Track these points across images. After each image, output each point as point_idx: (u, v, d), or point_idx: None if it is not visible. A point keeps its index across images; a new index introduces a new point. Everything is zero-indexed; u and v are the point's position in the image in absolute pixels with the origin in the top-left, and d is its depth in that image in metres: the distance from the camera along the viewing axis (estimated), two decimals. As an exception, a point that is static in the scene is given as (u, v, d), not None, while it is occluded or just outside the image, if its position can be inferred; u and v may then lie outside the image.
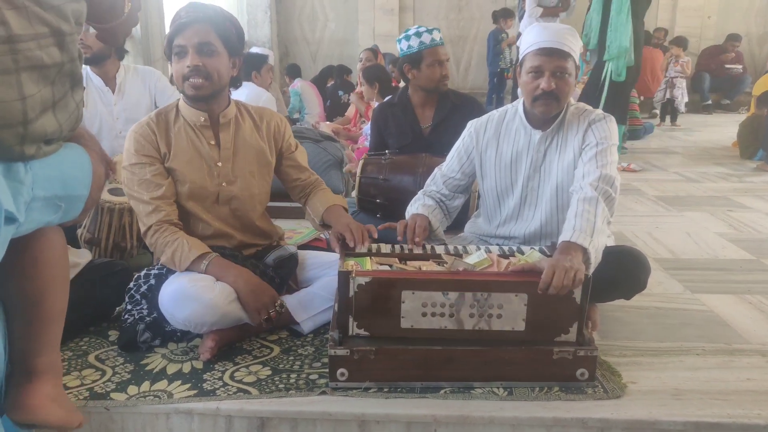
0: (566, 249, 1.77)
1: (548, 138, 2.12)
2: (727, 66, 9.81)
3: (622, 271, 2.02)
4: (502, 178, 2.20)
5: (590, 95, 5.53)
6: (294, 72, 8.00)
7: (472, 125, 2.28)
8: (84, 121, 3.11)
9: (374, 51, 6.17)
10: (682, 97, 8.34)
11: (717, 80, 9.86)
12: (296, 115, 7.29)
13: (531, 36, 2.04)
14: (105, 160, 1.50)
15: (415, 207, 2.24)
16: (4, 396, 1.48)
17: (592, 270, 1.79)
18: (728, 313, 2.34)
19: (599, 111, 2.13)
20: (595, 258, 1.81)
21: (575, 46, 2.01)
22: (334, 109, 7.37)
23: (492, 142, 2.21)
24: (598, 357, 1.87)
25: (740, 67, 9.88)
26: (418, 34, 2.97)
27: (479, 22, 10.32)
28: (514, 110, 2.20)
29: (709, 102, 9.89)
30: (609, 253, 2.02)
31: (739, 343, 2.10)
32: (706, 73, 9.88)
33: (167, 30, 2.07)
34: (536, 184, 2.15)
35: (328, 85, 8.10)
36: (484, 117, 2.27)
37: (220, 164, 2.11)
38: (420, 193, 2.32)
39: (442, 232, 2.26)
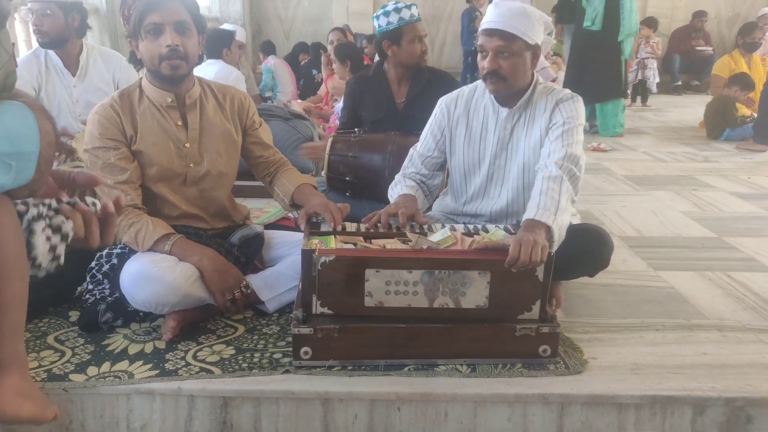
0: (530, 226, 1.78)
1: (515, 115, 2.12)
2: (698, 48, 9.93)
3: (586, 249, 2.04)
4: (469, 155, 2.20)
5: (574, 74, 5.65)
6: (268, 49, 7.89)
7: (442, 101, 2.26)
8: (50, 107, 3.07)
9: (343, 31, 6.11)
10: (653, 77, 8.41)
11: (687, 61, 10.00)
12: (268, 93, 7.20)
13: (485, 16, 2.05)
14: (49, 117, 1.37)
15: (397, 189, 2.22)
16: None
17: (555, 248, 1.81)
18: (689, 289, 2.38)
19: (567, 91, 2.13)
20: (559, 236, 1.82)
21: (525, 27, 1.98)
22: (307, 87, 7.29)
23: (462, 118, 2.20)
24: (561, 334, 1.90)
25: (710, 49, 10.01)
26: (397, 10, 2.94)
27: (453, 1, 10.29)
28: (483, 87, 2.18)
29: (680, 83, 10.02)
30: (573, 231, 2.03)
31: (698, 319, 2.14)
32: (677, 54, 9.99)
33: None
34: (503, 162, 2.15)
35: (302, 63, 8.00)
36: (455, 93, 2.26)
37: (187, 145, 2.07)
38: (399, 175, 2.30)
39: (421, 213, 2.25)
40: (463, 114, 2.20)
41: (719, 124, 5.87)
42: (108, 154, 1.97)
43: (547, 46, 7.42)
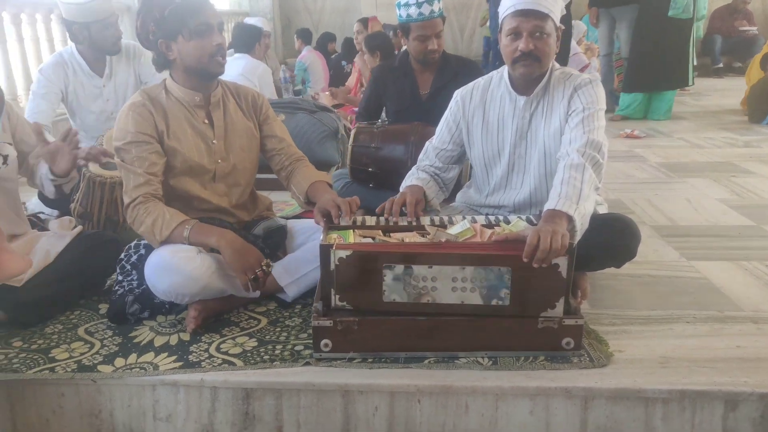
0: (551, 217, 1.75)
1: (533, 103, 2.08)
2: (740, 28, 9.59)
3: (612, 239, 2.00)
4: (488, 146, 2.17)
5: (638, 61, 5.62)
6: (305, 36, 7.91)
7: (458, 94, 2.24)
8: (74, 106, 3.16)
9: (365, 21, 6.09)
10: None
11: (729, 42, 9.66)
12: (298, 87, 7.24)
13: (504, 2, 2.01)
14: None
15: (408, 181, 2.22)
16: None
17: (578, 237, 1.77)
18: (723, 279, 2.31)
19: (585, 75, 2.09)
20: (581, 225, 1.78)
21: (554, 7, 1.96)
22: (336, 78, 7.32)
23: (478, 109, 2.18)
24: (585, 326, 1.86)
25: (754, 28, 9.66)
26: (407, 5, 2.90)
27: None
28: (500, 76, 2.16)
29: (720, 65, 9.70)
30: (598, 220, 1.99)
31: (732, 310, 2.07)
32: (718, 35, 9.67)
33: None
34: (523, 151, 2.12)
35: (332, 55, 8.02)
36: (470, 85, 2.23)
37: (215, 142, 2.11)
38: (413, 168, 2.30)
39: (438, 204, 2.24)
40: (479, 105, 2.18)
41: (762, 107, 5.68)
42: (140, 147, 2.00)
43: (579, 31, 7.26)
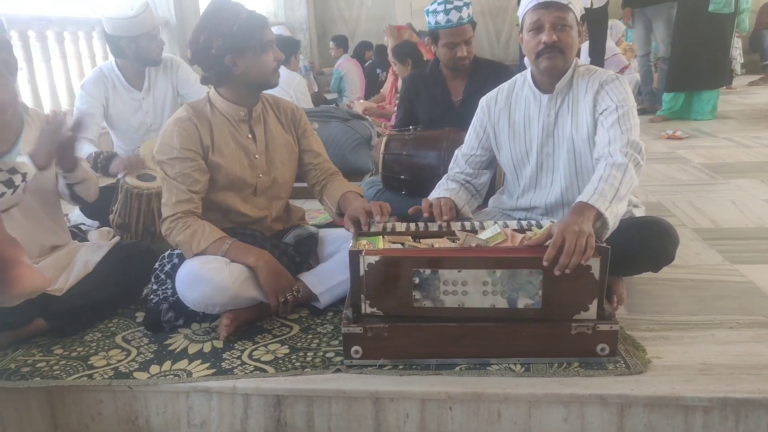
0: (579, 210, 1.72)
1: (557, 100, 2.06)
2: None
3: (649, 243, 1.94)
4: (516, 148, 2.15)
5: (680, 59, 5.56)
6: (341, 42, 7.97)
7: (483, 100, 2.25)
8: (114, 120, 3.26)
9: (393, 29, 6.11)
10: (737, 57, 7.94)
11: (778, 38, 9.36)
12: (333, 96, 7.30)
13: None
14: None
15: (438, 192, 2.22)
16: None
17: (605, 236, 1.73)
18: (768, 284, 2.22)
19: (610, 71, 2.06)
20: (613, 224, 1.74)
21: (575, 0, 1.95)
22: (371, 87, 7.35)
23: (503, 112, 2.17)
24: (622, 331, 1.82)
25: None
26: (435, 12, 2.88)
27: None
28: (523, 78, 2.14)
29: (769, 62, 9.40)
30: (634, 223, 1.95)
31: (777, 315, 1.99)
32: (766, 30, 9.37)
33: (201, 13, 2.06)
34: (551, 149, 2.10)
35: (366, 63, 8.05)
36: (494, 90, 2.23)
37: (257, 156, 2.14)
38: (444, 177, 2.30)
39: (469, 212, 2.23)
40: (504, 108, 2.16)
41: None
42: (185, 164, 2.02)
43: (618, 32, 7.14)
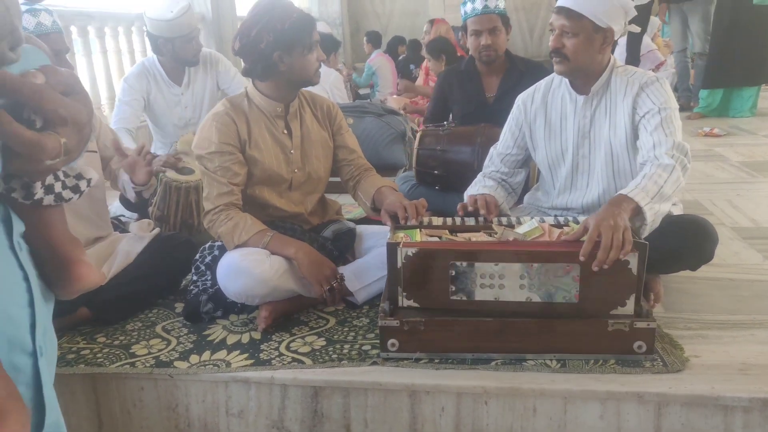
0: (617, 201, 1.71)
1: (593, 101, 2.05)
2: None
3: (686, 241, 1.93)
4: (552, 148, 2.14)
5: (720, 54, 5.47)
6: (374, 40, 7.98)
7: (520, 98, 2.24)
8: (154, 114, 3.33)
9: (431, 23, 6.11)
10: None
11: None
12: (367, 90, 7.32)
13: None
14: None
15: (475, 189, 2.21)
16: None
17: (646, 233, 1.72)
18: (811, 284, 2.18)
19: (650, 73, 2.04)
20: (652, 221, 1.73)
21: (597, 8, 1.91)
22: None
23: (540, 111, 2.16)
24: (659, 330, 1.81)
25: None
26: (465, 3, 2.90)
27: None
28: (561, 77, 2.12)
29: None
30: (672, 222, 1.94)
31: (819, 316, 1.96)
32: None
33: (237, 11, 2.11)
34: (587, 151, 2.08)
35: (400, 57, 8.04)
36: (531, 88, 2.22)
37: (293, 152, 2.17)
38: (479, 175, 2.30)
39: (507, 209, 2.23)
40: (540, 107, 2.16)
41: None
42: (224, 158, 2.06)
43: (653, 27, 7.02)
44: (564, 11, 1.94)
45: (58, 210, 0.89)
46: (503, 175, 2.26)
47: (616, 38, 2.01)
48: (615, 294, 1.70)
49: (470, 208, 2.04)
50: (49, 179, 0.85)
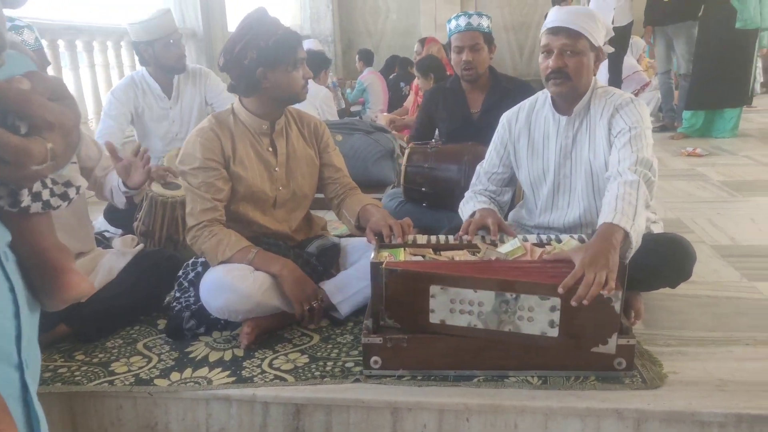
0: (608, 233, 1.69)
1: (575, 122, 2.08)
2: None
3: (666, 259, 1.96)
4: (534, 167, 2.17)
5: (701, 76, 5.55)
6: (367, 57, 8.02)
7: (504, 117, 2.27)
8: (143, 127, 3.33)
9: (422, 43, 6.17)
10: (757, 77, 7.89)
11: (799, 57, 9.29)
12: (357, 108, 7.36)
13: (546, 20, 2.04)
14: None
15: (470, 206, 2.21)
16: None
17: (630, 255, 1.74)
18: (787, 301, 2.22)
19: (627, 94, 2.07)
20: (636, 242, 1.75)
21: (590, 27, 1.96)
22: (394, 100, 7.38)
23: (524, 130, 2.19)
24: (639, 346, 1.83)
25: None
26: (450, 21, 2.96)
27: (543, 8, 10.10)
28: (544, 97, 2.16)
29: (791, 80, 9.34)
30: (652, 240, 1.96)
31: (795, 333, 1.98)
32: (787, 49, 9.32)
33: (228, 27, 2.12)
34: (568, 171, 2.11)
35: (390, 76, 8.10)
36: (516, 107, 2.25)
37: (277, 169, 2.18)
38: (469, 193, 2.31)
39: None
40: (524, 126, 2.19)
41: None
42: (208, 173, 2.06)
43: (639, 48, 7.14)
44: (564, 30, 1.97)
45: (45, 218, 0.89)
46: (491, 194, 2.28)
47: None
48: (596, 331, 1.67)
49: (471, 229, 2.00)
50: (37, 186, 0.84)
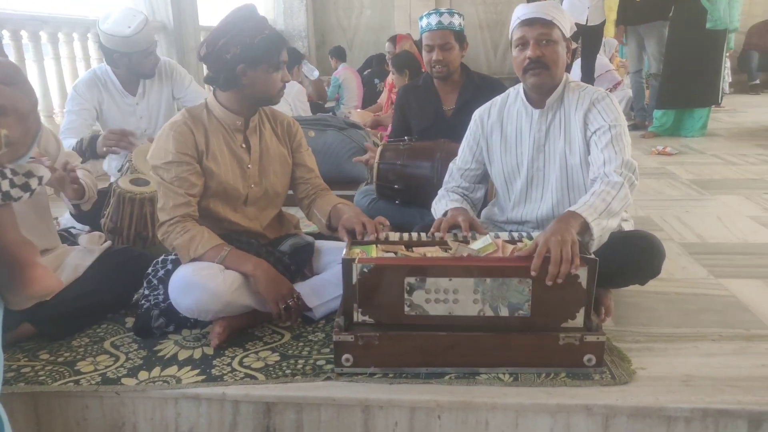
0: (566, 218, 1.76)
1: (548, 115, 2.09)
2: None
3: (635, 256, 1.98)
4: (507, 161, 2.18)
5: (671, 75, 5.64)
6: (339, 54, 7.98)
7: (477, 113, 2.27)
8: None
9: (393, 41, 6.18)
10: (726, 77, 8.05)
11: (766, 58, 9.50)
12: (332, 104, 7.32)
13: (515, 15, 2.06)
14: None
15: (443, 204, 2.22)
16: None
17: (594, 248, 1.76)
18: (751, 298, 2.26)
19: (600, 89, 2.10)
20: (599, 237, 1.78)
21: (560, 18, 2.00)
22: (368, 96, 7.37)
23: (496, 126, 2.20)
24: (608, 342, 1.84)
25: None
26: (421, 18, 2.95)
27: (517, 6, 10.15)
28: (516, 92, 2.18)
29: (757, 81, 9.55)
30: (621, 237, 1.99)
31: (759, 329, 2.02)
32: (755, 51, 9.53)
33: (200, 21, 2.07)
34: (541, 164, 2.13)
35: (364, 72, 8.08)
36: (488, 104, 2.26)
37: (250, 166, 2.15)
38: (442, 190, 2.32)
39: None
40: (496, 122, 2.20)
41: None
42: (181, 168, 2.02)
43: (611, 48, 7.22)
44: (538, 21, 1.99)
45: (6, 210, 0.86)
46: (464, 190, 2.29)
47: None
48: (565, 308, 1.73)
49: (443, 227, 2.01)
50: None
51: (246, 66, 1.99)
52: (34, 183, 0.87)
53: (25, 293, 0.89)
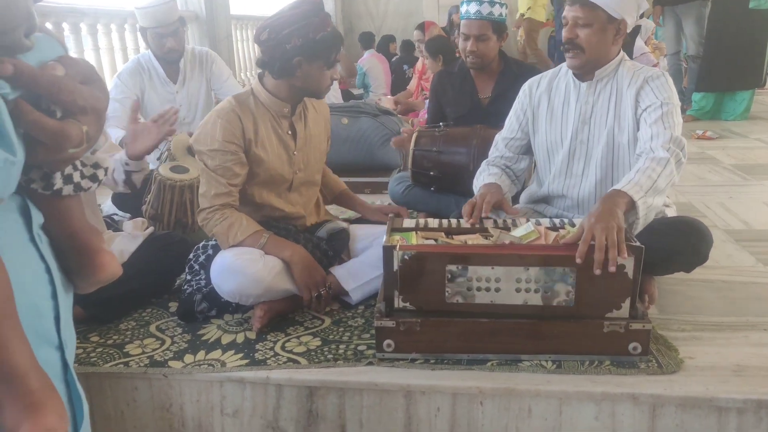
0: (611, 197, 1.73)
1: (596, 88, 2.07)
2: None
3: (681, 243, 1.94)
4: (551, 132, 2.17)
5: (711, 57, 5.47)
6: (367, 41, 7.93)
7: (526, 84, 2.26)
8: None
9: (421, 28, 6.13)
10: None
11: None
12: (360, 91, 7.30)
13: None
14: None
15: (480, 179, 2.22)
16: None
17: (639, 228, 1.73)
18: (803, 286, 2.20)
19: (656, 69, 2.06)
20: (645, 216, 1.74)
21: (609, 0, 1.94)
22: (398, 82, 7.32)
23: (544, 96, 2.19)
24: (654, 331, 1.81)
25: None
26: (462, 4, 2.89)
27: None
28: (567, 68, 2.14)
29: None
30: (667, 223, 1.95)
31: (811, 319, 1.97)
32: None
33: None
34: (585, 137, 2.10)
35: (393, 59, 8.02)
36: (539, 75, 2.25)
37: (296, 153, 2.16)
38: (484, 163, 2.31)
39: (509, 199, 2.22)
40: (545, 92, 2.19)
41: None
42: (226, 157, 2.03)
43: (647, 30, 7.05)
44: (578, 2, 1.96)
45: (76, 200, 0.89)
46: (507, 161, 2.28)
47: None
48: (611, 298, 1.70)
49: (466, 219, 1.97)
50: (68, 169, 0.85)
51: (303, 59, 1.99)
52: (101, 174, 0.89)
53: (94, 278, 0.92)
